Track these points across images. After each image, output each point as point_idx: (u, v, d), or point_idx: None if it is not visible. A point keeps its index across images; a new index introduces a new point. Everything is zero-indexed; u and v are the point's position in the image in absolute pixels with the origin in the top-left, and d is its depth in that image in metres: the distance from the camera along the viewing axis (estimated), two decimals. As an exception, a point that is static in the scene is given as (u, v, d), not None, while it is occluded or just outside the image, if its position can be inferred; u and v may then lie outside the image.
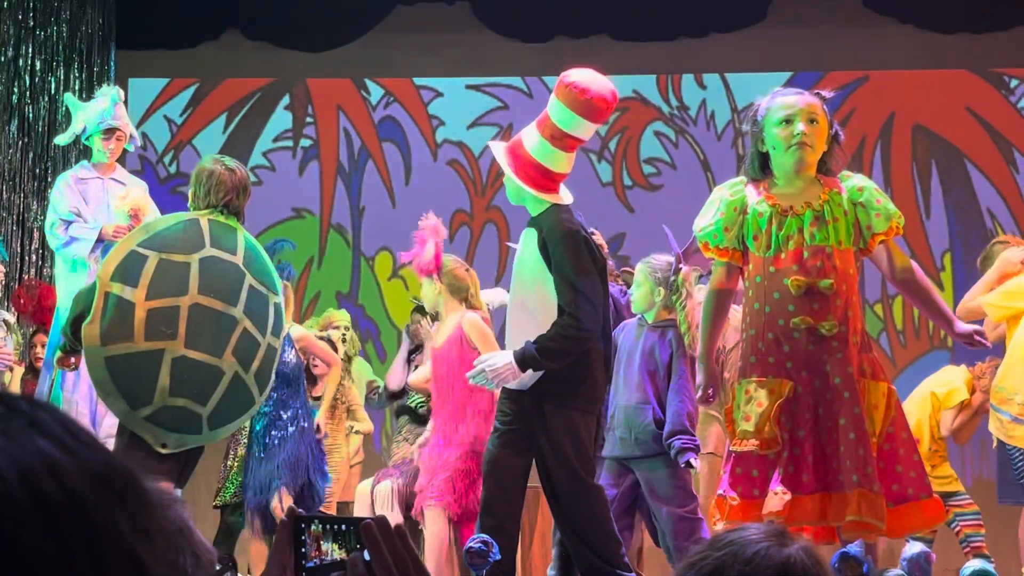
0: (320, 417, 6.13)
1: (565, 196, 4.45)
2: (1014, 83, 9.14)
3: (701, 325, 4.30)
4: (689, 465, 4.91)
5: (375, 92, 9.47)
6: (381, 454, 8.11)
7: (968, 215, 9.02)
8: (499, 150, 4.46)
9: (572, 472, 4.25)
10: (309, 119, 9.48)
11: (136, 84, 9.14)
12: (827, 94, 4.21)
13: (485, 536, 4.23)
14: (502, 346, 4.76)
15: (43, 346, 6.73)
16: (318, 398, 6.91)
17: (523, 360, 4.21)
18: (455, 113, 9.31)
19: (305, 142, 9.47)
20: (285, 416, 6.02)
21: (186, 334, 4.68)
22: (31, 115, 8.37)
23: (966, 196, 9.04)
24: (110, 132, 6.04)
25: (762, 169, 4.18)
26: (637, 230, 9.01)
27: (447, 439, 5.41)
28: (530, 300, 4.35)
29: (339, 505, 7.03)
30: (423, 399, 6.24)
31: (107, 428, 5.60)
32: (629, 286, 6.38)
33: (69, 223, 5.89)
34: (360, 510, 5.84)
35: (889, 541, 5.21)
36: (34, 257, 8.28)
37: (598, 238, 5.11)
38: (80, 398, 5.72)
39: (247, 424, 6.99)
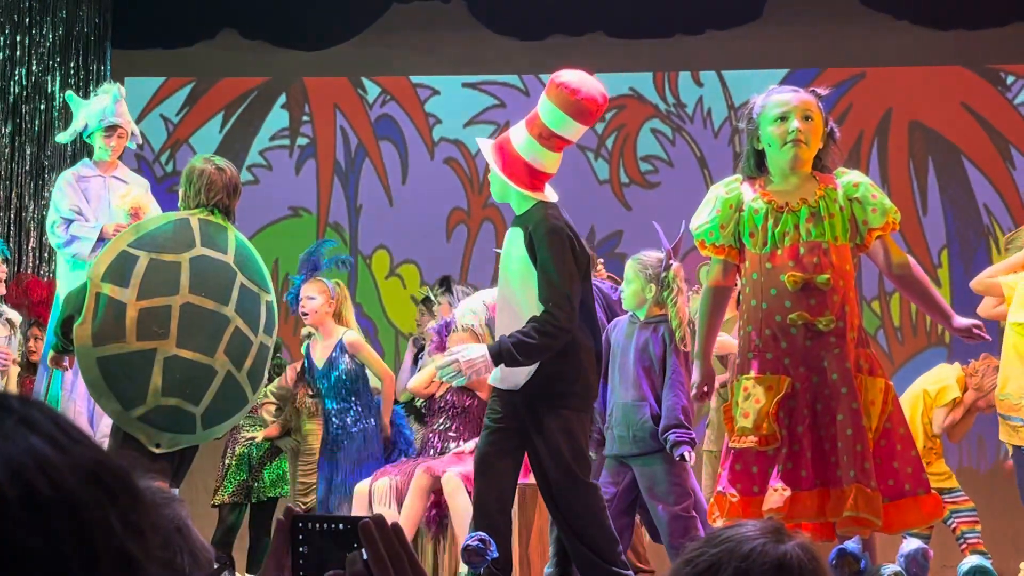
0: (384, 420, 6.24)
1: (550, 195, 4.45)
2: (1010, 79, 9.14)
3: (698, 323, 4.30)
4: (683, 458, 4.92)
5: (372, 90, 9.47)
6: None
7: (965, 212, 9.02)
8: (487, 147, 4.47)
9: (568, 471, 4.24)
10: (306, 118, 9.48)
11: (132, 83, 9.12)
12: (822, 91, 4.22)
13: (482, 534, 4.23)
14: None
15: (37, 340, 6.71)
16: (313, 396, 6.89)
17: (498, 354, 4.18)
18: (452, 111, 9.31)
19: (302, 141, 9.46)
20: (348, 420, 6.07)
21: (178, 333, 4.67)
22: (27, 114, 8.36)
23: (963, 193, 9.04)
24: (111, 129, 6.03)
25: (758, 166, 4.19)
26: (634, 228, 9.01)
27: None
28: (517, 299, 4.34)
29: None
30: (425, 400, 6.24)
31: (104, 428, 5.59)
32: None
33: (70, 222, 5.88)
34: (358, 508, 5.84)
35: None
36: (32, 256, 8.27)
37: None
38: (78, 397, 5.72)
39: (248, 423, 7.02)
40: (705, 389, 4.26)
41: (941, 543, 6.34)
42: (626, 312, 5.35)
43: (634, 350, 5.10)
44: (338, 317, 6.35)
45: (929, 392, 6.44)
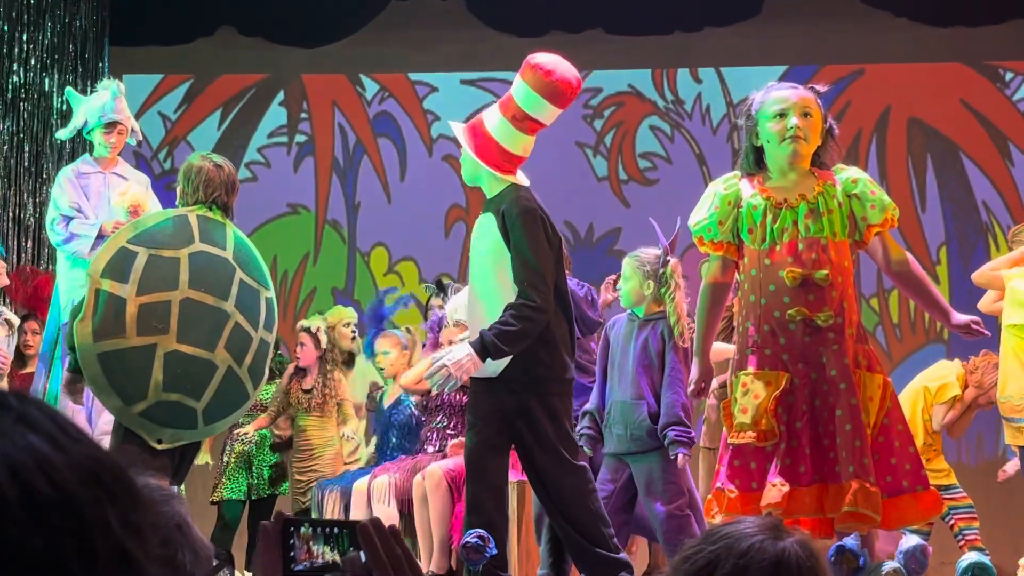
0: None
1: (522, 179, 4.44)
2: (1009, 76, 9.13)
3: (696, 319, 4.30)
4: (677, 457, 4.92)
5: (370, 87, 9.46)
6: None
7: (964, 209, 9.02)
8: (459, 129, 4.46)
9: (557, 454, 4.23)
10: (304, 115, 9.47)
11: (130, 80, 9.09)
12: (821, 88, 4.22)
13: (481, 531, 4.22)
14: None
15: (33, 333, 6.67)
16: (308, 391, 6.90)
17: (483, 348, 4.14)
18: (450, 108, 9.29)
19: (300, 138, 9.46)
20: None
21: (178, 328, 4.68)
22: (26, 112, 8.35)
23: (961, 190, 9.03)
24: (111, 126, 6.01)
25: (756, 163, 4.19)
26: (633, 224, 9.00)
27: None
28: (491, 284, 4.31)
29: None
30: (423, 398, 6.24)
31: (103, 425, 5.59)
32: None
33: (69, 219, 5.87)
34: (357, 505, 5.84)
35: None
36: (30, 254, 8.26)
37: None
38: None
39: (247, 421, 7.01)
40: (703, 385, 4.25)
41: (940, 540, 6.34)
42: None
43: (634, 349, 5.09)
44: (410, 364, 6.40)
45: (929, 389, 6.44)
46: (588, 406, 5.19)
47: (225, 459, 7.11)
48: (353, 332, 7.18)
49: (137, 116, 9.13)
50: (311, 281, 9.30)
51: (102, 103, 6.03)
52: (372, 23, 9.24)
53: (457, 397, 5.96)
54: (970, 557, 4.51)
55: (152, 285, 4.70)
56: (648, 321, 5.11)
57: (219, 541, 6.71)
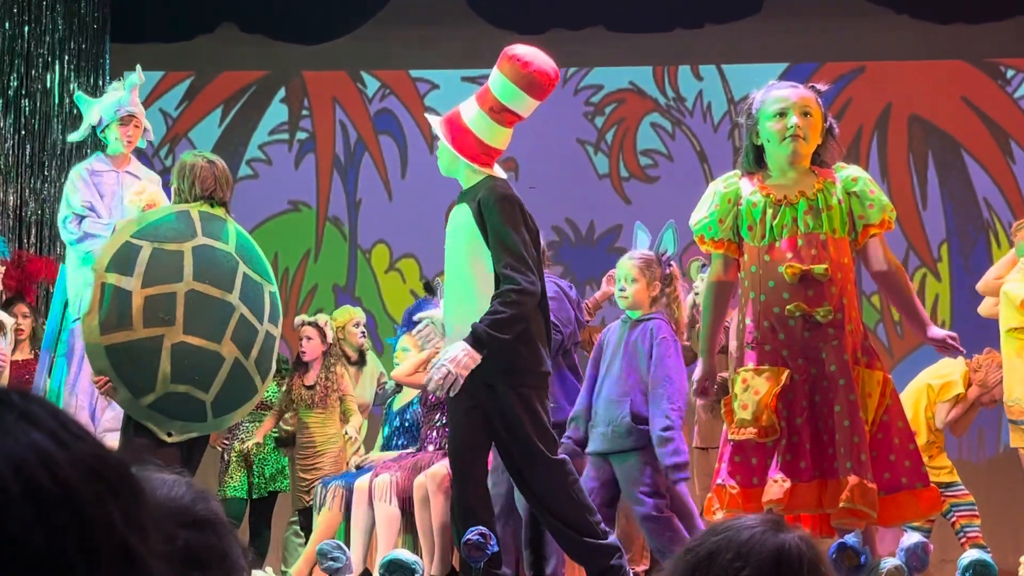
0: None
1: (499, 172, 4.43)
2: (1010, 73, 9.13)
3: (701, 319, 4.31)
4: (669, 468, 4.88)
5: (371, 85, 9.46)
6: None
7: (965, 206, 9.02)
8: (436, 121, 4.47)
9: (534, 450, 4.21)
10: (305, 112, 9.47)
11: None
12: (821, 87, 4.24)
13: (482, 528, 4.23)
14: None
15: (23, 316, 6.62)
16: (311, 386, 6.88)
17: (478, 341, 4.12)
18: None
19: (301, 135, 9.46)
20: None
21: (184, 320, 4.71)
22: (27, 109, 8.35)
23: (963, 187, 9.03)
24: (127, 120, 5.97)
25: (757, 162, 4.20)
26: (634, 222, 8.98)
27: None
28: (468, 277, 4.29)
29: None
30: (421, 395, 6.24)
31: (106, 422, 5.60)
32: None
33: (82, 218, 5.84)
34: (359, 503, 5.84)
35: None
36: (32, 251, 8.26)
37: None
38: (79, 391, 5.71)
39: (248, 418, 7.01)
40: (707, 384, 4.26)
41: (941, 537, 6.35)
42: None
43: (623, 349, 5.09)
44: (427, 366, 6.40)
45: (933, 387, 6.44)
46: (574, 411, 5.18)
47: (226, 457, 7.11)
48: (363, 332, 7.17)
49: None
50: (312, 278, 9.30)
51: (117, 97, 5.99)
52: (373, 20, 9.24)
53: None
54: (972, 555, 4.51)
55: (157, 277, 4.72)
56: (640, 322, 5.10)
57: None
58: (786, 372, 4.02)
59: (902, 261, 8.90)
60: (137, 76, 6.00)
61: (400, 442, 6.31)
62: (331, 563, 4.81)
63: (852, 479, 3.88)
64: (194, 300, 4.74)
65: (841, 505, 3.89)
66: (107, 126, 5.98)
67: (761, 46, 8.98)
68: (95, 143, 6.24)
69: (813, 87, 4.22)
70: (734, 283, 4.30)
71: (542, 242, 4.52)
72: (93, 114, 6.00)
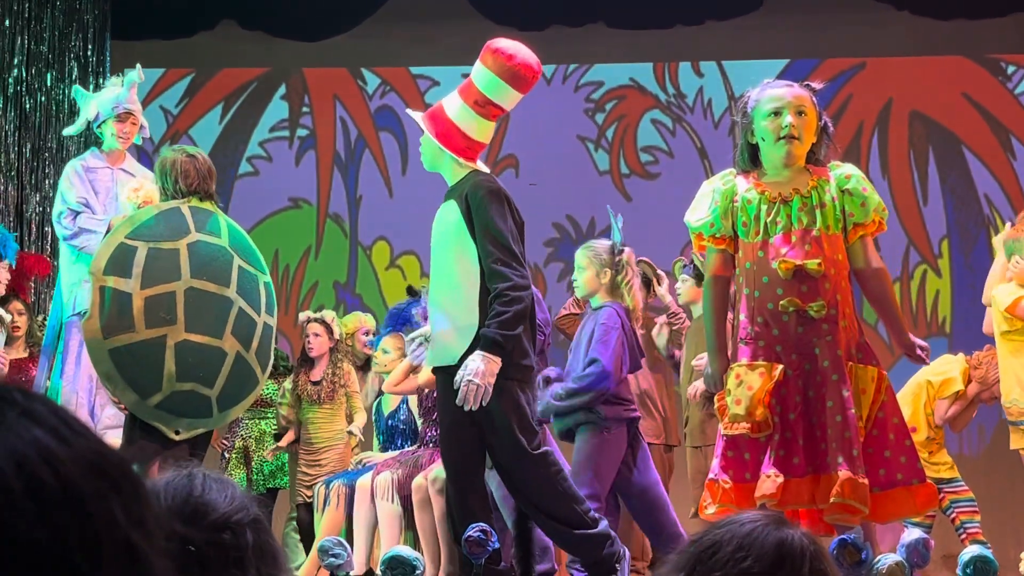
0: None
1: (482, 167, 4.45)
2: (1011, 69, 9.13)
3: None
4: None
5: (371, 81, 9.46)
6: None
7: (965, 202, 9.02)
8: (419, 116, 4.48)
9: (517, 447, 4.21)
10: (305, 109, 9.47)
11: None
12: (816, 86, 4.26)
13: (483, 525, 4.23)
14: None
15: (19, 314, 6.61)
16: (317, 382, 6.87)
17: (491, 345, 4.14)
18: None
19: (302, 132, 9.46)
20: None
21: (185, 318, 4.72)
22: (28, 106, 8.35)
23: (963, 183, 9.03)
24: (124, 116, 5.95)
25: (752, 160, 4.22)
26: (635, 218, 8.96)
27: None
28: (453, 273, 4.31)
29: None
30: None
31: (107, 419, 5.60)
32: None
33: (77, 213, 5.82)
34: (361, 502, 5.84)
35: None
36: (33, 249, 8.26)
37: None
38: (80, 389, 5.71)
39: (248, 416, 7.02)
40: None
41: (942, 533, 6.35)
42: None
43: (579, 338, 5.17)
44: (415, 370, 6.37)
45: (932, 383, 6.45)
46: None
47: (226, 455, 7.11)
48: (371, 340, 7.17)
49: (138, 110, 9.16)
50: (313, 275, 9.30)
51: (115, 94, 5.97)
52: (373, 16, 9.24)
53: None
54: (972, 550, 4.51)
55: (156, 277, 4.73)
56: (597, 310, 5.17)
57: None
58: (779, 367, 4.03)
59: (902, 257, 8.91)
60: (137, 74, 5.98)
61: (401, 442, 6.31)
62: (332, 559, 4.82)
63: (843, 474, 3.89)
64: (194, 297, 4.76)
65: (832, 500, 3.90)
66: (104, 122, 5.94)
67: (762, 42, 8.98)
68: (87, 138, 6.21)
69: (808, 85, 4.23)
70: (731, 278, 4.32)
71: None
72: (91, 109, 5.97)
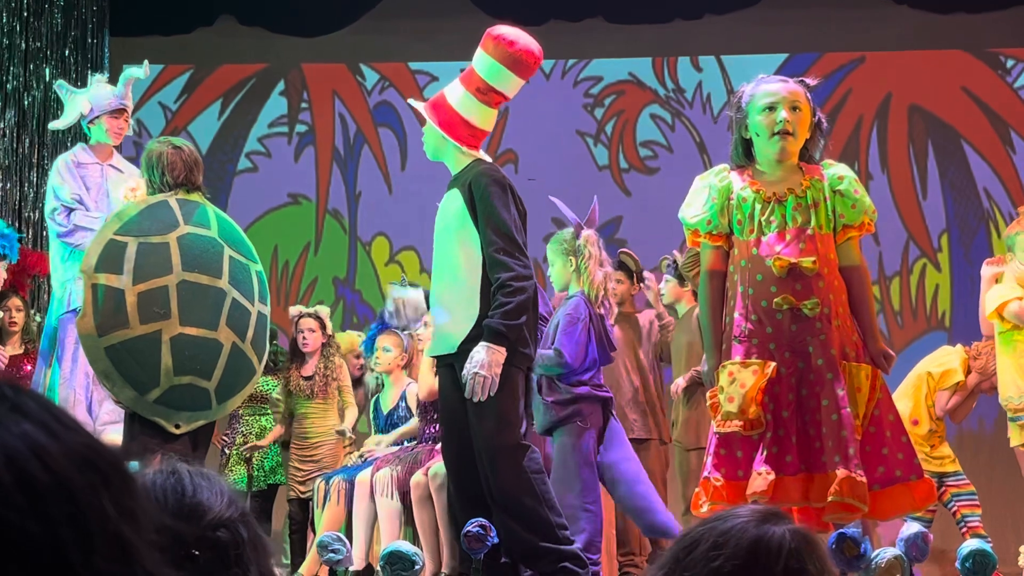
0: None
1: (484, 155, 4.45)
2: (1010, 63, 9.13)
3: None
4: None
5: (370, 77, 9.46)
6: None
7: (965, 196, 9.02)
8: (421, 105, 4.48)
9: (503, 431, 4.17)
10: (304, 105, 9.47)
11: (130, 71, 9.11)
12: (811, 81, 4.26)
13: (483, 520, 4.23)
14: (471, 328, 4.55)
15: (17, 310, 6.60)
16: (308, 377, 6.87)
17: (496, 335, 4.13)
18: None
19: (300, 128, 9.46)
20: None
21: (179, 312, 4.72)
22: (27, 103, 8.35)
23: (963, 177, 9.03)
24: (119, 112, 5.91)
25: (746, 155, 4.22)
26: (634, 213, 9.01)
27: None
28: (456, 261, 4.31)
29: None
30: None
31: (105, 415, 5.59)
32: (624, 267, 6.43)
33: (71, 210, 5.79)
34: (360, 498, 5.84)
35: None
36: (28, 246, 8.26)
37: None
38: (76, 386, 5.70)
39: (247, 412, 7.03)
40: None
41: (941, 527, 6.36)
42: (548, 306, 5.45)
43: (551, 329, 5.21)
44: (408, 367, 6.36)
45: (932, 375, 6.45)
46: None
47: (225, 452, 7.11)
48: (361, 365, 7.18)
49: (137, 107, 9.12)
50: (312, 271, 9.30)
51: (111, 89, 5.94)
52: (372, 12, 9.24)
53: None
54: (971, 544, 4.52)
55: (147, 272, 4.73)
56: (569, 298, 5.20)
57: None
58: (772, 365, 4.03)
59: (902, 251, 8.91)
60: (143, 71, 5.93)
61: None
62: (331, 555, 4.82)
63: (841, 473, 3.88)
64: (186, 290, 4.75)
65: (830, 499, 3.89)
66: (97, 118, 5.89)
67: (761, 37, 8.97)
68: (75, 133, 6.15)
69: (803, 81, 4.23)
70: (726, 273, 4.31)
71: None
72: (83, 104, 5.91)
